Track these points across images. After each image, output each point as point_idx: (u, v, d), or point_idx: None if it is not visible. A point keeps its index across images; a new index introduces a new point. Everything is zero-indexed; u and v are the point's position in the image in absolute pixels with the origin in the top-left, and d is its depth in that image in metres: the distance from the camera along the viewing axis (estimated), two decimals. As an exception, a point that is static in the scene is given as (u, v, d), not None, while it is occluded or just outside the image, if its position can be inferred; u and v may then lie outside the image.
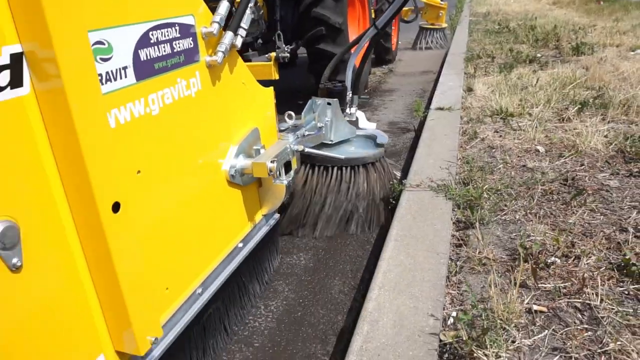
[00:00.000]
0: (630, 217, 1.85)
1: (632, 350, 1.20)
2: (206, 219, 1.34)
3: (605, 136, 2.67)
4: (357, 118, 2.40)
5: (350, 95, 2.35)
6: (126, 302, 1.00)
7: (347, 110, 2.35)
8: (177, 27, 1.15)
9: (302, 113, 2.02)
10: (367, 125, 2.43)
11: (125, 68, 0.99)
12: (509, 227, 1.88)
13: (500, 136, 2.89)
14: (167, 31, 1.12)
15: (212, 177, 1.38)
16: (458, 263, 1.67)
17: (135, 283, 1.02)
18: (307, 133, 1.91)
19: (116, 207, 0.96)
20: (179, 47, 1.16)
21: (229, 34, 1.32)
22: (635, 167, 2.29)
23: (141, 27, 1.04)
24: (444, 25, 7.29)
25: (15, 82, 0.82)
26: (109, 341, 1.04)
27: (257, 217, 1.65)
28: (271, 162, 1.46)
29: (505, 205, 2.02)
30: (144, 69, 1.05)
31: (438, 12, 7.11)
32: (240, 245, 1.53)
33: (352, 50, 2.47)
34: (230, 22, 1.35)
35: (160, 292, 1.16)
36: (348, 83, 2.35)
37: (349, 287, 1.84)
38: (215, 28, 1.26)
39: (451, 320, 1.40)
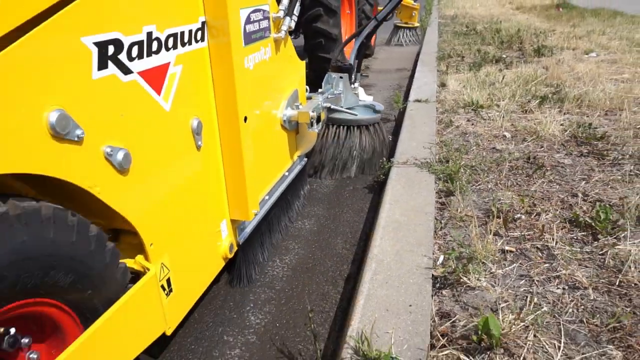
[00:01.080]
0: (579, 186, 2.26)
1: (579, 275, 1.59)
2: (273, 146, 1.97)
3: (562, 125, 3.12)
4: (358, 91, 3.01)
5: (355, 72, 2.94)
6: (246, 183, 1.61)
7: (352, 85, 2.93)
8: (262, 12, 1.64)
9: (323, 83, 2.71)
10: (365, 98, 3.07)
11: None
12: (482, 194, 2.26)
13: (473, 124, 3.29)
14: (258, 14, 1.60)
15: (275, 118, 1.96)
16: (442, 221, 2.03)
17: (250, 171, 1.63)
18: (329, 96, 2.60)
19: (245, 119, 1.56)
20: (262, 25, 1.65)
21: (288, 19, 1.82)
22: (585, 149, 2.73)
23: (249, 10, 1.55)
24: (417, 24, 7.80)
25: (202, 38, 1.41)
26: (227, 211, 1.65)
27: (295, 156, 2.25)
28: (312, 111, 2.07)
29: (479, 178, 2.41)
30: (248, 38, 1.57)
31: (411, 12, 7.59)
32: (286, 174, 2.15)
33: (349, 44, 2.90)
34: (287, 10, 1.83)
35: (259, 183, 1.78)
36: (352, 63, 2.92)
37: (350, 244, 2.17)
38: (281, 14, 1.77)
39: (440, 261, 1.75)
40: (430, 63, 5.62)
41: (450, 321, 1.44)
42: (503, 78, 4.35)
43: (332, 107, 2.62)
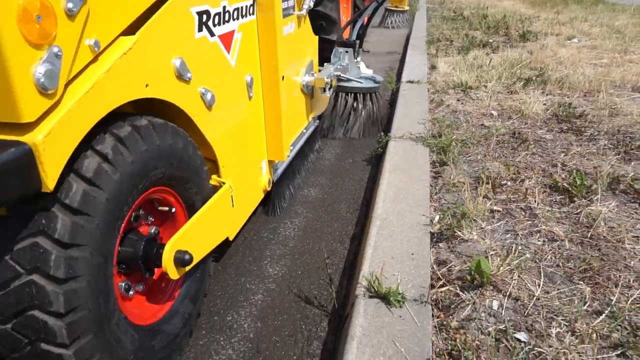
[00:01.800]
0: (559, 157, 2.52)
1: (556, 230, 1.84)
2: (297, 106, 2.32)
3: (544, 104, 3.37)
4: (360, 65, 3.36)
5: (357, 47, 3.28)
6: (282, 131, 2.05)
7: (355, 59, 3.28)
8: None
9: (331, 56, 3.15)
10: (366, 71, 3.39)
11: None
12: (472, 164, 2.50)
13: (462, 103, 3.52)
14: None
15: (297, 82, 2.30)
16: (437, 187, 2.26)
17: (284, 121, 2.04)
18: (338, 67, 3.04)
19: (282, 78, 1.96)
20: (290, 4, 1.99)
21: None
22: (565, 126, 2.98)
23: None
24: (407, 7, 8.03)
25: (253, 12, 1.79)
26: (266, 153, 2.07)
27: (310, 117, 2.59)
28: (326, 78, 2.43)
29: (469, 150, 2.64)
30: (284, 13, 1.94)
31: (402, -6, 7.79)
32: (304, 131, 2.51)
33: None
34: None
35: (289, 132, 2.19)
36: (354, 39, 3.29)
37: (353, 209, 2.40)
38: None
39: (436, 219, 1.98)
40: (420, 47, 5.82)
41: (447, 267, 1.67)
42: (490, 61, 4.58)
43: (342, 76, 3.06)
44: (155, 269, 1.38)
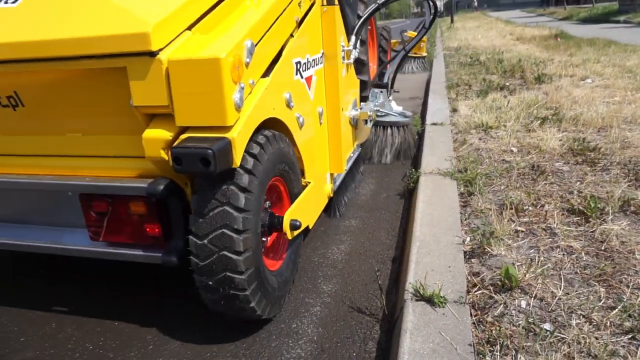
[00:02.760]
0: (575, 186, 2.82)
1: (574, 244, 2.13)
2: (348, 133, 2.89)
3: (560, 140, 3.69)
4: (392, 103, 4.04)
5: (390, 89, 4.06)
6: (341, 149, 2.68)
7: (388, 97, 3.94)
8: (344, 47, 2.71)
9: (369, 96, 3.77)
10: (397, 108, 4.04)
11: None
12: (497, 194, 2.81)
13: (484, 142, 3.87)
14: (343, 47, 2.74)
15: (348, 115, 2.85)
16: (466, 214, 2.58)
17: (343, 143, 2.68)
18: (376, 104, 3.71)
19: (342, 109, 2.65)
20: (343, 54, 2.67)
21: (354, 51, 2.82)
22: (580, 158, 3.29)
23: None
24: (425, 54, 8.66)
25: (321, 62, 2.51)
26: (328, 167, 2.65)
27: (356, 144, 3.14)
28: (369, 111, 2.99)
29: (493, 182, 2.97)
30: (341, 61, 2.65)
31: (420, 43, 8.36)
32: (352, 155, 3.07)
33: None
34: (354, 45, 2.83)
35: (345, 152, 2.77)
36: (387, 82, 3.98)
37: (392, 236, 2.72)
38: (351, 47, 2.78)
39: (467, 241, 2.29)
40: (440, 91, 6.27)
41: (480, 277, 1.97)
42: (508, 103, 4.96)
43: (380, 110, 3.79)
44: (273, 234, 1.99)
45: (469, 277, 1.98)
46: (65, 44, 1.55)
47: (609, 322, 1.62)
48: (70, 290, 2.36)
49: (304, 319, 2.03)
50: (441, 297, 1.77)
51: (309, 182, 2.23)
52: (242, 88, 1.58)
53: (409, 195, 3.20)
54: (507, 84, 6.43)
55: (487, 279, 1.95)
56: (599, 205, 2.42)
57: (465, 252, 2.17)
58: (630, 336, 1.55)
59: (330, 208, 2.92)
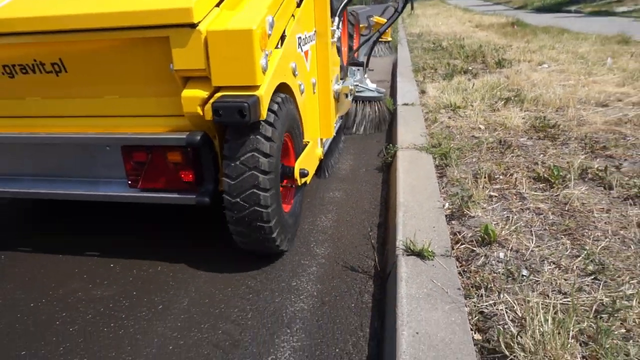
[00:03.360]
0: (539, 158, 3.11)
1: (541, 206, 2.39)
2: (333, 104, 3.11)
3: (523, 118, 3.99)
4: (367, 80, 4.35)
5: (365, 67, 4.26)
6: (330, 117, 3.02)
7: (363, 76, 4.23)
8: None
9: (348, 74, 3.93)
10: (371, 85, 4.34)
11: None
12: (469, 165, 3.06)
13: (453, 120, 4.13)
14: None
15: (332, 90, 3.08)
16: (443, 183, 2.81)
17: (331, 111, 3.02)
18: (355, 80, 4.12)
19: (331, 80, 2.95)
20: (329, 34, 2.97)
21: (337, 31, 3.10)
22: (542, 134, 3.59)
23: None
24: (390, 39, 8.90)
25: (314, 39, 2.80)
26: (319, 132, 2.95)
27: (337, 115, 3.34)
28: (350, 86, 3.24)
29: (465, 155, 3.22)
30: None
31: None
32: (335, 125, 3.29)
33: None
34: (337, 27, 3.06)
35: (332, 119, 3.08)
36: (363, 60, 4.28)
37: (374, 205, 2.92)
38: (334, 28, 3.04)
39: (446, 206, 2.52)
40: (408, 74, 6.51)
41: (461, 235, 2.20)
42: (473, 85, 5.26)
43: (360, 86, 4.03)
44: (284, 181, 2.30)
45: (451, 236, 2.20)
46: (115, 16, 1.83)
47: (574, 267, 1.88)
48: (103, 239, 2.44)
49: (303, 278, 2.20)
50: (430, 251, 1.98)
51: (308, 142, 2.59)
52: (267, 55, 1.92)
53: (387, 168, 3.42)
54: (470, 68, 6.74)
55: (468, 236, 2.18)
56: (561, 174, 2.71)
57: (446, 215, 2.40)
58: (592, 277, 1.82)
59: (320, 170, 3.33)
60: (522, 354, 1.40)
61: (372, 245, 2.43)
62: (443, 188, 2.75)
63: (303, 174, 2.37)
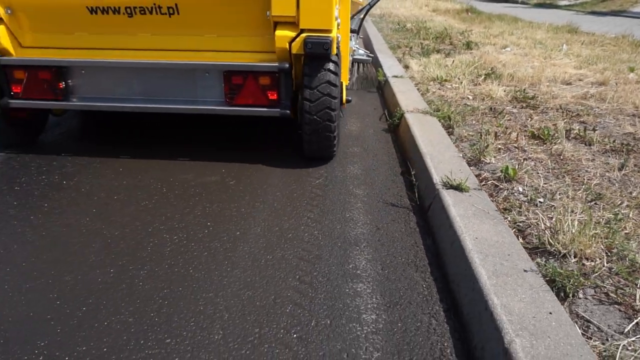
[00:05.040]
0: (527, 122, 3.69)
1: (541, 156, 2.95)
2: (347, 57, 3.80)
3: (504, 91, 4.59)
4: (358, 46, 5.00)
5: (357, 33, 4.89)
6: (346, 67, 3.68)
7: (355, 41, 4.88)
8: None
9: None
10: (361, 50, 5.07)
11: None
12: (471, 126, 3.59)
13: (443, 91, 4.65)
14: None
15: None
16: (453, 139, 3.31)
17: (347, 64, 3.83)
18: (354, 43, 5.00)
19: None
20: None
21: None
22: (524, 104, 4.19)
23: None
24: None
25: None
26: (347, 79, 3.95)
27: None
28: (353, 47, 4.00)
29: (465, 119, 3.74)
30: None
31: (357, 7, 8.99)
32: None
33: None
34: None
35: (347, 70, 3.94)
36: (355, 28, 4.85)
37: (392, 159, 3.37)
38: None
39: (465, 153, 3.01)
40: (386, 52, 6.99)
41: (483, 176, 2.70)
42: (453, 62, 5.82)
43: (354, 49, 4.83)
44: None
45: (476, 177, 2.70)
46: None
47: (578, 196, 2.43)
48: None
49: (353, 211, 2.62)
50: (465, 185, 2.46)
51: (342, 81, 3.24)
52: (337, 8, 2.78)
53: (394, 129, 3.88)
54: (441, 48, 7.33)
55: (489, 177, 2.69)
56: (550, 133, 3.28)
57: (466, 162, 2.90)
58: (593, 202, 2.37)
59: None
60: (560, 246, 1.92)
61: (404, 186, 2.89)
62: (454, 143, 3.24)
63: (348, 100, 3.55)
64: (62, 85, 2.98)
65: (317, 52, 2.69)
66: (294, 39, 2.72)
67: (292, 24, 2.71)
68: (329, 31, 2.71)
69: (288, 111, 2.89)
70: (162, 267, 2.08)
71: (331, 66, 2.82)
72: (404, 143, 3.54)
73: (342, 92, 3.21)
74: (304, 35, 2.70)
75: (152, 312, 1.81)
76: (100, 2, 2.75)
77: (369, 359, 1.61)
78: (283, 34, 2.72)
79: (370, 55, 5.18)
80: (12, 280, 1.97)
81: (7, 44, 2.89)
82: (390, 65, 5.84)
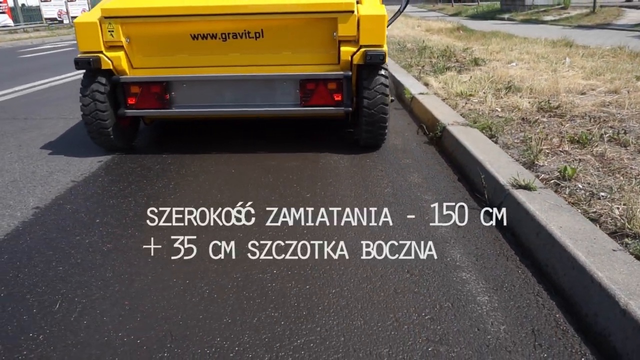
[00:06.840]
0: (561, 129, 4.05)
1: (586, 158, 3.30)
2: None
3: (529, 103, 4.98)
4: None
5: None
6: None
7: None
8: None
9: None
10: None
11: None
12: (512, 135, 3.94)
13: (471, 105, 5.03)
14: None
15: None
16: (499, 147, 3.64)
17: None
18: None
19: None
20: None
21: None
22: (551, 114, 4.57)
23: None
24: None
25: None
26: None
27: None
28: None
29: (503, 129, 4.09)
30: None
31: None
32: None
33: None
34: None
35: None
36: None
37: (444, 169, 3.70)
38: None
39: (519, 159, 3.34)
40: (400, 71, 7.40)
41: (541, 177, 3.03)
42: (470, 78, 6.23)
43: None
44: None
45: (536, 177, 3.03)
46: (305, 5, 3.49)
47: (635, 189, 2.76)
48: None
49: (430, 213, 2.92)
50: (533, 185, 2.79)
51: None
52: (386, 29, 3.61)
53: (437, 141, 4.21)
54: (449, 65, 7.77)
55: (548, 177, 3.02)
56: (587, 137, 3.65)
57: (516, 162, 3.23)
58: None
59: None
60: (638, 229, 2.24)
61: (466, 190, 3.21)
62: (502, 149, 3.58)
63: (391, 100, 3.94)
64: (168, 96, 3.77)
65: (375, 62, 3.53)
66: (354, 53, 3.57)
67: (353, 41, 3.57)
68: (382, 46, 3.57)
69: (350, 108, 3.78)
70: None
71: (383, 72, 3.72)
72: (453, 153, 3.87)
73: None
74: (363, 49, 3.54)
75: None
76: (202, 30, 3.54)
77: (497, 331, 1.90)
78: (347, 49, 3.58)
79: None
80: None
81: (125, 66, 3.69)
82: (412, 84, 6.23)
